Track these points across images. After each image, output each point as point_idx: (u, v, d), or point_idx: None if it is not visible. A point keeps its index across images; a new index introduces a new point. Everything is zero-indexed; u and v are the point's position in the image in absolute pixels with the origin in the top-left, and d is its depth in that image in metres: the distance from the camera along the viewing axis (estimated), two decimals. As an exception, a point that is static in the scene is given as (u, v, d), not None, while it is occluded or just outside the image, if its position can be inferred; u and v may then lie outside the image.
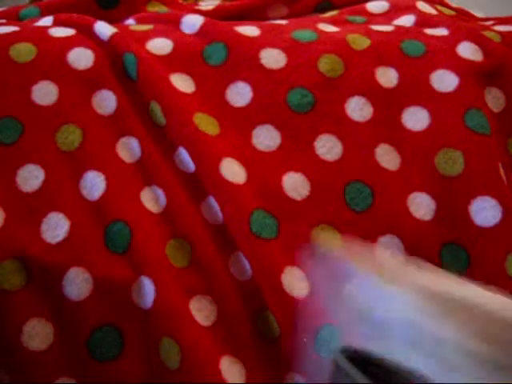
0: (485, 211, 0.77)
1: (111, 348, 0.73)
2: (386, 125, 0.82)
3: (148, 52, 0.85)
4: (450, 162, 0.80)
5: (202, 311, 0.73)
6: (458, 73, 0.84)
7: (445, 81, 0.84)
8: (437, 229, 0.77)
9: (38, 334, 0.72)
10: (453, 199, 0.79)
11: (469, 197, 0.78)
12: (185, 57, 0.86)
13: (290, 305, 0.72)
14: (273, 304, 0.73)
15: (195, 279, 0.74)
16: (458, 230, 0.77)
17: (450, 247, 0.77)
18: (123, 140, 0.81)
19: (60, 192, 0.77)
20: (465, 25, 0.91)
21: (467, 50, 0.86)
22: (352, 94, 0.83)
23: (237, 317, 0.73)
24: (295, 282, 0.74)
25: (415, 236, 0.77)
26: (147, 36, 0.88)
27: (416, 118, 0.82)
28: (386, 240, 0.76)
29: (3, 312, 0.72)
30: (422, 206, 0.78)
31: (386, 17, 0.98)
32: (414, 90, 0.84)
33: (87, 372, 0.72)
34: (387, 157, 0.81)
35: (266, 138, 0.81)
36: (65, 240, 0.74)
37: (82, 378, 0.72)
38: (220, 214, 0.77)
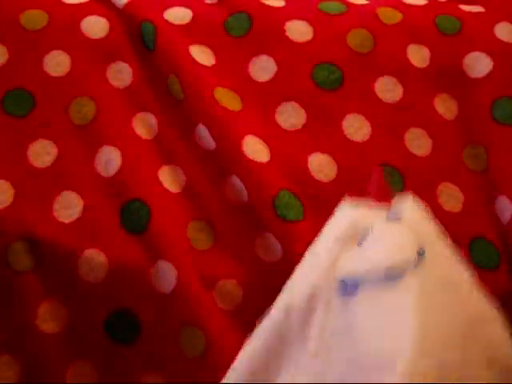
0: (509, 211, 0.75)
1: (127, 332, 0.70)
2: (416, 108, 0.79)
3: (166, 21, 0.81)
4: (474, 157, 0.77)
5: (225, 296, 0.70)
6: (493, 56, 0.80)
7: (478, 64, 0.80)
8: (465, 222, 0.74)
9: (51, 317, 0.69)
10: (479, 195, 0.76)
11: (493, 195, 0.75)
12: (205, 27, 0.81)
13: None
14: None
15: (218, 262, 0.71)
16: (485, 226, 0.74)
17: (480, 242, 0.74)
18: (140, 115, 0.77)
19: (73, 168, 0.74)
20: (503, 3, 0.86)
21: (505, 32, 0.82)
22: (382, 73, 0.79)
23: (264, 300, 0.69)
24: None
25: (444, 228, 0.73)
26: (165, 4, 0.83)
27: (446, 106, 0.79)
28: None
29: (18, 294, 0.69)
30: (452, 197, 0.75)
31: None
32: (446, 73, 0.80)
33: (102, 355, 0.70)
34: (418, 141, 0.77)
35: (290, 115, 0.78)
36: (78, 220, 0.71)
37: (98, 361, 0.70)
38: (245, 193, 0.73)
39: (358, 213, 0.59)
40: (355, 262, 0.55)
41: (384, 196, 0.60)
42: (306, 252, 0.61)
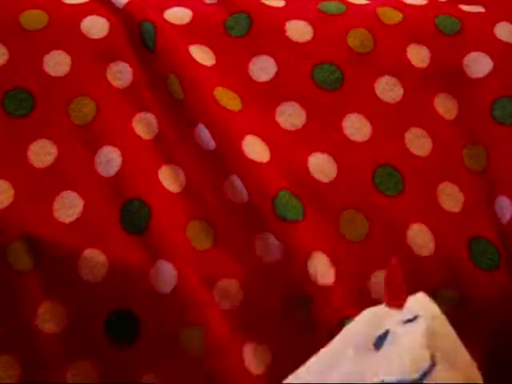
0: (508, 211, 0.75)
1: (127, 332, 0.70)
2: (416, 108, 0.79)
3: (166, 21, 0.81)
4: (474, 157, 0.77)
5: (225, 296, 0.70)
6: (493, 56, 0.80)
7: (478, 64, 0.80)
8: (465, 222, 0.74)
9: (51, 317, 0.69)
10: (478, 195, 0.76)
11: (493, 195, 0.75)
12: (205, 27, 0.81)
13: (318, 291, 0.69)
14: (301, 289, 0.70)
15: (218, 262, 0.71)
16: (485, 226, 0.74)
17: (480, 242, 0.74)
18: (140, 115, 0.77)
19: (73, 168, 0.74)
20: (503, 3, 0.86)
21: (505, 32, 0.82)
22: (382, 73, 0.79)
23: (265, 301, 0.70)
24: (321, 268, 0.70)
25: (444, 227, 0.74)
26: (165, 4, 0.83)
27: (446, 106, 0.79)
28: (415, 228, 0.73)
29: (18, 294, 0.69)
30: (451, 197, 0.75)
31: None
32: (446, 73, 0.80)
33: (102, 355, 0.70)
34: (418, 141, 0.77)
35: (290, 115, 0.78)
36: (78, 220, 0.71)
37: (98, 361, 0.70)
38: (245, 193, 0.73)
39: (375, 317, 0.56)
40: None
41: (398, 294, 0.58)
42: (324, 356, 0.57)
